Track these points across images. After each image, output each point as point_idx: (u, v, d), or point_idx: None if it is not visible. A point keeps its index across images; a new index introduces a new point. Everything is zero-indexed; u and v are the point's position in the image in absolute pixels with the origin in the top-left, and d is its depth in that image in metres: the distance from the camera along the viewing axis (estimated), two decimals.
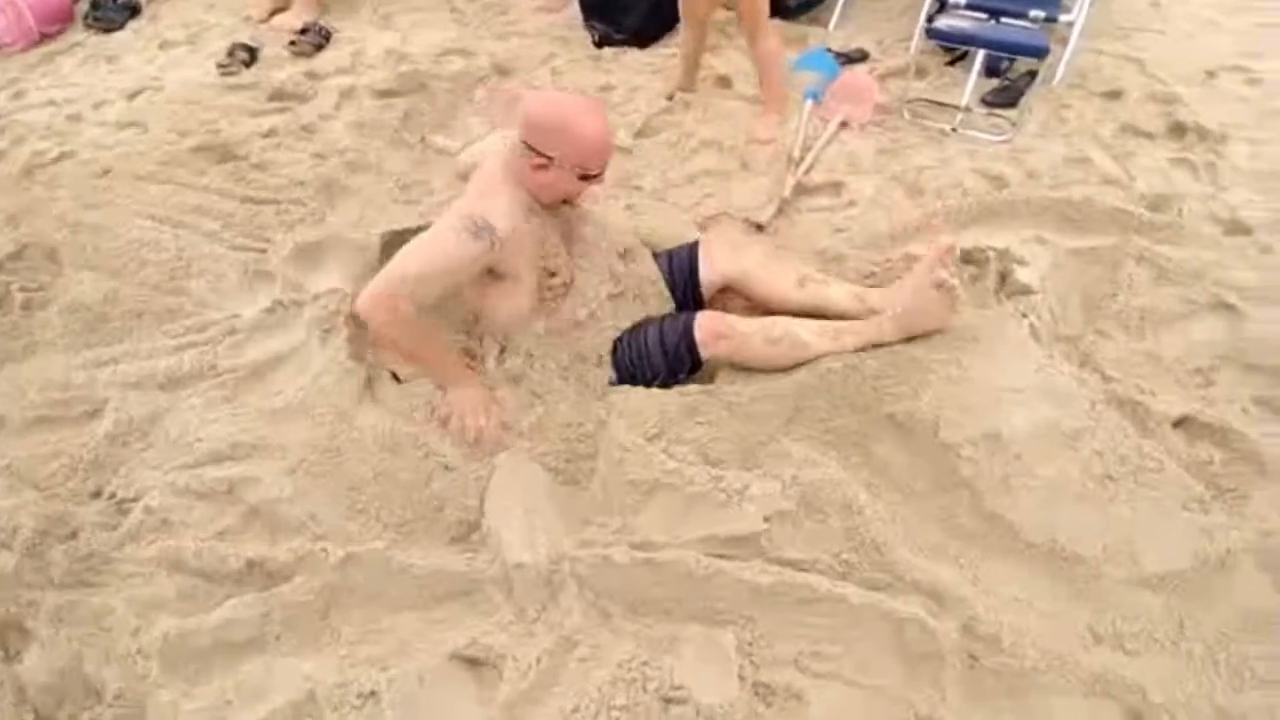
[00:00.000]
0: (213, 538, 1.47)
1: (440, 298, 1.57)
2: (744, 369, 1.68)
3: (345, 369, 1.71)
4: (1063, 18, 2.75)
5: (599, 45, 3.20)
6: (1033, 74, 2.66)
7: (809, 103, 2.52)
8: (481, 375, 1.69)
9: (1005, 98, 2.64)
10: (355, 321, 1.84)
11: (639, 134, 2.60)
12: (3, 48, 3.41)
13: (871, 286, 1.83)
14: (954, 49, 2.86)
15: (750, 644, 1.28)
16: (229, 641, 1.33)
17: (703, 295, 1.81)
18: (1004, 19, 2.69)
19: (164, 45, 3.35)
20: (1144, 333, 1.78)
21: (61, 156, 2.55)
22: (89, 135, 2.69)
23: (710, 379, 1.72)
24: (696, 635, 1.29)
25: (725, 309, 1.80)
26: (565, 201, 1.70)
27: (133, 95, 2.93)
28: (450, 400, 1.64)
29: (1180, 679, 1.24)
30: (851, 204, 2.21)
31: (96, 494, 1.58)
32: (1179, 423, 1.59)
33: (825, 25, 3.26)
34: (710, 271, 1.79)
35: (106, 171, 2.42)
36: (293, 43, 3.21)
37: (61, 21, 3.57)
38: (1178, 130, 2.46)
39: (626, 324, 1.73)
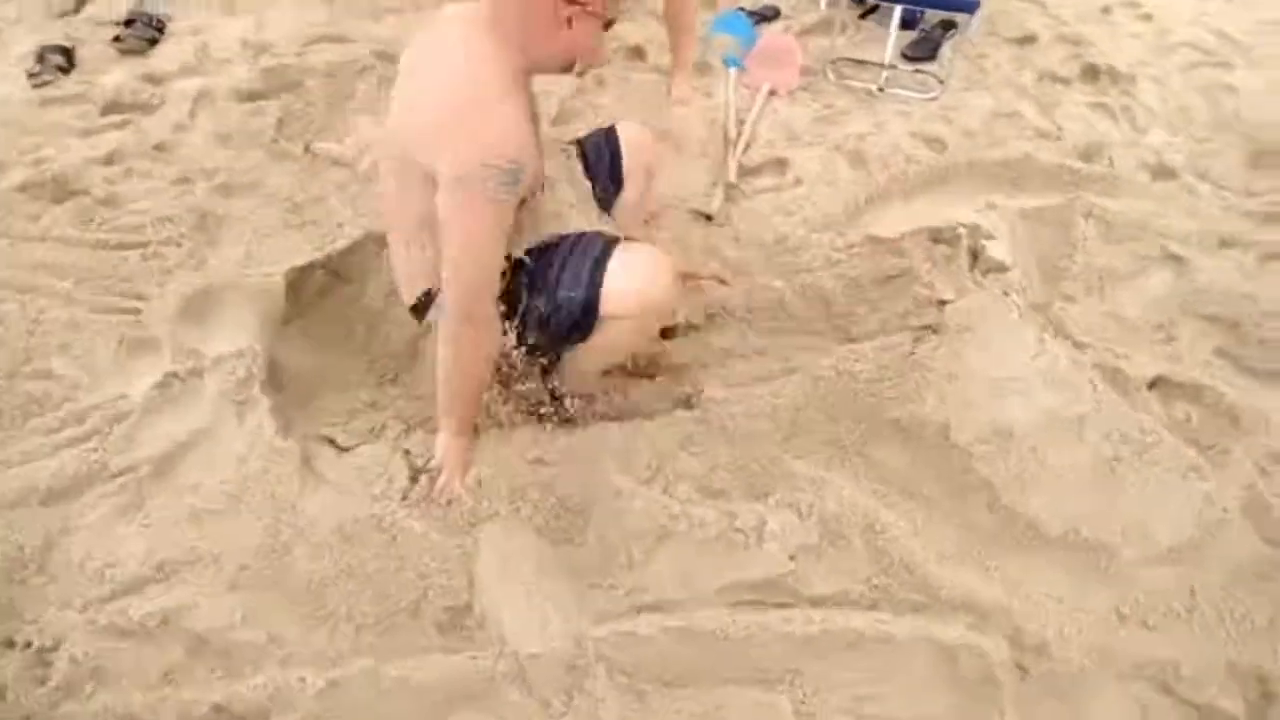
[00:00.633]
0: (160, 684, 1.21)
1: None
2: None
3: (275, 448, 1.45)
4: None
5: None
6: (946, 25, 2.62)
7: (732, 71, 2.37)
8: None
9: (924, 50, 2.59)
10: (272, 385, 1.58)
11: (556, 122, 2.36)
12: None
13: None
14: (865, 2, 2.77)
15: (803, 701, 1.20)
16: None
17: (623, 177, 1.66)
18: None
19: None
20: (1104, 293, 1.80)
21: None
22: None
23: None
24: (746, 702, 1.19)
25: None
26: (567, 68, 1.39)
27: None
28: (442, 447, 1.45)
29: (1199, 645, 1.26)
30: (798, 182, 2.11)
31: (10, 644, 1.26)
32: (1153, 384, 1.61)
33: None
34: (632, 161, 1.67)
35: None
36: (117, 38, 2.69)
37: None
38: (1091, 73, 2.50)
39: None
